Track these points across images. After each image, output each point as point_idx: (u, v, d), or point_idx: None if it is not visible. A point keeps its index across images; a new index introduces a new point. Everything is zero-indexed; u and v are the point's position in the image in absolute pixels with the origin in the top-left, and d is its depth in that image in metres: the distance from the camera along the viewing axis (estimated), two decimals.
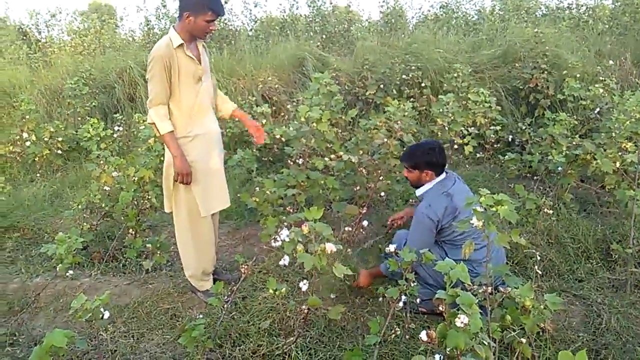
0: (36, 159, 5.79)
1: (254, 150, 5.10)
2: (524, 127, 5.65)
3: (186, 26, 2.72)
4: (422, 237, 2.79)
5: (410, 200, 4.21)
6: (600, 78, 5.82)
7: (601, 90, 5.40)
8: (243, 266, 2.46)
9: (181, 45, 2.72)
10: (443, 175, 2.91)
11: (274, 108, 6.52)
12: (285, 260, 2.26)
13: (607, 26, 9.19)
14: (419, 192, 2.99)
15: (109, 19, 12.05)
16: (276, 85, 6.93)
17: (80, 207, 3.95)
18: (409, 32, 9.37)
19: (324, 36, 9.59)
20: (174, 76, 2.72)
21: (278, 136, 4.95)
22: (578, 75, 5.92)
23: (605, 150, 3.82)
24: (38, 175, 5.73)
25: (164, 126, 2.73)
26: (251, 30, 10.45)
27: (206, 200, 2.91)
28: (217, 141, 3.01)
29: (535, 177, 4.51)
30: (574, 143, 4.14)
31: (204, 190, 2.89)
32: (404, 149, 3.22)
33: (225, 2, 10.58)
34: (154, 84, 2.70)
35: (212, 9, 2.68)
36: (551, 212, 3.65)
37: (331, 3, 10.54)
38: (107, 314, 1.96)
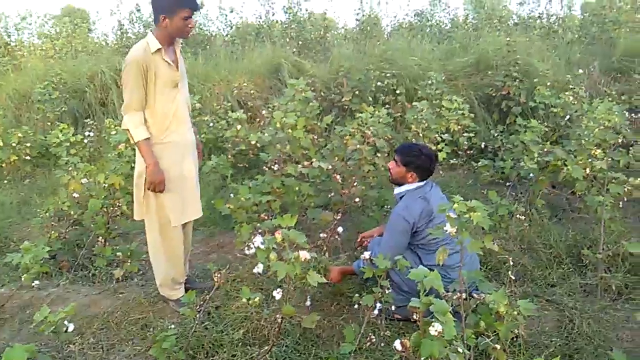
0: (3, 165, 5.63)
1: (229, 156, 5.05)
2: (496, 134, 5.74)
3: (164, 30, 2.67)
4: (397, 239, 2.80)
5: (385, 207, 4.22)
6: (570, 86, 5.94)
7: (571, 98, 5.51)
8: (216, 274, 2.41)
9: (159, 50, 2.67)
10: (423, 182, 2.94)
11: (249, 114, 6.48)
12: (259, 268, 2.22)
13: (576, 36, 9.43)
14: (397, 190, 3.02)
15: (82, 22, 11.82)
16: (251, 91, 6.89)
17: (48, 214, 3.84)
18: (384, 40, 9.43)
19: (299, 42, 9.59)
20: (150, 82, 2.66)
21: (253, 142, 4.91)
22: (549, 84, 6.03)
23: (575, 157, 3.89)
24: (5, 182, 5.57)
25: (138, 133, 2.66)
26: (227, 35, 10.39)
27: (177, 210, 2.85)
28: (191, 150, 2.95)
29: (507, 183, 4.57)
30: (545, 150, 4.21)
31: (176, 200, 2.83)
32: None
33: (201, 7, 10.51)
34: (130, 90, 2.64)
35: (185, 5, 2.63)
36: (523, 217, 3.70)
37: (307, 10, 10.56)
38: (71, 327, 1.89)
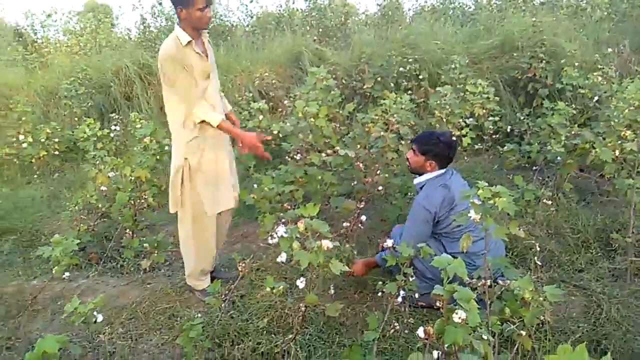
0: (33, 160, 5.77)
1: None
2: (522, 118, 5.62)
3: (186, 21, 2.69)
4: (418, 228, 2.78)
5: (409, 194, 4.18)
6: (599, 66, 5.76)
7: (600, 79, 5.34)
8: (241, 264, 2.44)
9: (190, 42, 2.69)
10: (443, 170, 2.91)
11: (270, 104, 6.48)
12: (282, 258, 2.24)
13: (605, 13, 9.11)
14: (416, 180, 3.00)
15: (105, 17, 11.98)
16: (273, 81, 6.89)
17: (77, 208, 3.93)
18: (406, 24, 9.29)
19: (320, 30, 9.53)
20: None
21: (275, 132, 4.92)
22: (576, 64, 5.86)
23: (604, 139, 3.79)
24: (35, 176, 5.71)
25: (213, 118, 2.72)
26: (247, 26, 10.39)
27: (212, 200, 2.89)
28: (225, 141, 2.98)
29: (534, 168, 4.48)
30: (572, 132, 4.10)
31: (211, 190, 2.87)
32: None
33: None
34: (181, 85, 2.67)
35: None
36: (550, 202, 3.62)
37: None
38: (101, 317, 1.94)
